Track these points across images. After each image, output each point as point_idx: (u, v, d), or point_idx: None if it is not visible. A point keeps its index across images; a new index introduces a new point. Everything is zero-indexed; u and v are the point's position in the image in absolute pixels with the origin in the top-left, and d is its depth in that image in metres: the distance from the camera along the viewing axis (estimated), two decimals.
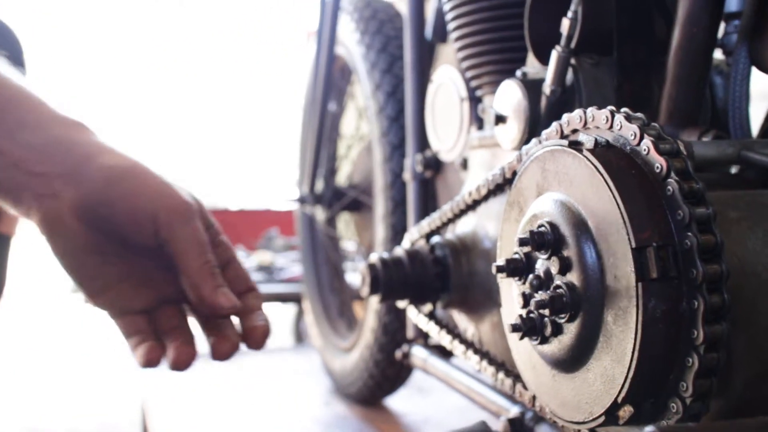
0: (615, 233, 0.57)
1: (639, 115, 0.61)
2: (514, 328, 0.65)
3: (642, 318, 0.55)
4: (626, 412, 0.59)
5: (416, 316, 1.08)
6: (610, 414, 0.59)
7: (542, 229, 0.63)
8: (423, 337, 1.23)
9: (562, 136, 0.66)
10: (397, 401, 1.78)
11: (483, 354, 0.93)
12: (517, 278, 0.68)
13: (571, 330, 0.62)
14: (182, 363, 0.65)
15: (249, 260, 3.07)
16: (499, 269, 0.67)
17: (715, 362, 0.55)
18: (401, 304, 1.08)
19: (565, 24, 0.79)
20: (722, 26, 0.84)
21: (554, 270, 0.62)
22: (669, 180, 0.56)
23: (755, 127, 0.85)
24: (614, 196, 0.57)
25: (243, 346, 0.68)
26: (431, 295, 1.04)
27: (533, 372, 0.69)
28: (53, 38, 6.84)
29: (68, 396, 3.43)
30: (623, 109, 0.61)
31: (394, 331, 1.53)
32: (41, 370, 4.25)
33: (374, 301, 1.04)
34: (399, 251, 1.06)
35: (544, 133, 0.69)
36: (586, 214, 0.61)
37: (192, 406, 1.71)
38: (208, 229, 0.68)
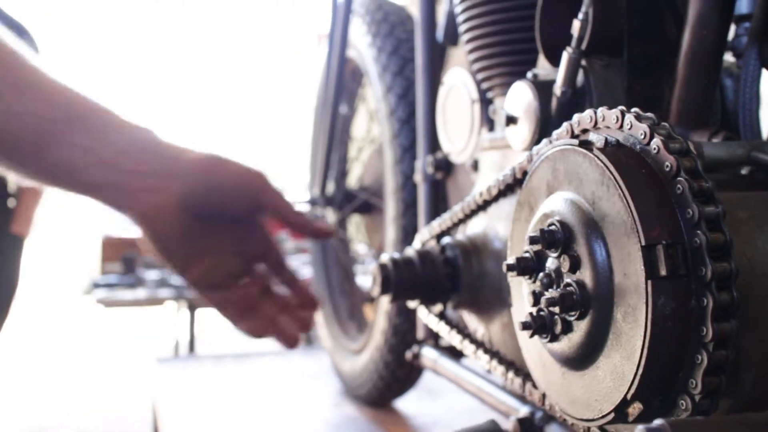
0: (625, 231, 0.58)
1: (649, 114, 0.61)
2: (525, 326, 0.65)
3: (651, 315, 0.56)
4: (635, 409, 0.59)
5: (426, 317, 1.09)
6: (620, 411, 0.60)
7: (553, 227, 0.64)
8: (433, 337, 1.23)
9: (573, 136, 0.66)
10: (406, 403, 1.79)
11: (493, 354, 0.93)
12: (527, 277, 0.68)
13: (581, 328, 0.62)
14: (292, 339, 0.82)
15: None
16: (510, 268, 0.68)
17: (724, 359, 0.55)
18: (412, 304, 1.09)
19: (575, 25, 0.80)
20: (733, 28, 0.85)
21: (564, 268, 0.63)
22: (678, 179, 0.57)
23: (766, 130, 0.85)
24: (624, 195, 0.58)
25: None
26: (442, 296, 1.05)
27: (543, 370, 0.69)
28: (58, 37, 6.88)
29: (78, 394, 3.44)
30: (633, 109, 0.62)
31: (404, 332, 1.53)
32: (52, 369, 4.27)
33: (385, 301, 1.05)
34: (410, 252, 1.06)
35: (555, 133, 0.69)
36: (596, 212, 0.61)
37: (202, 405, 1.72)
38: None
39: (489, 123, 1.11)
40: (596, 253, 0.61)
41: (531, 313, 0.66)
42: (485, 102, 1.12)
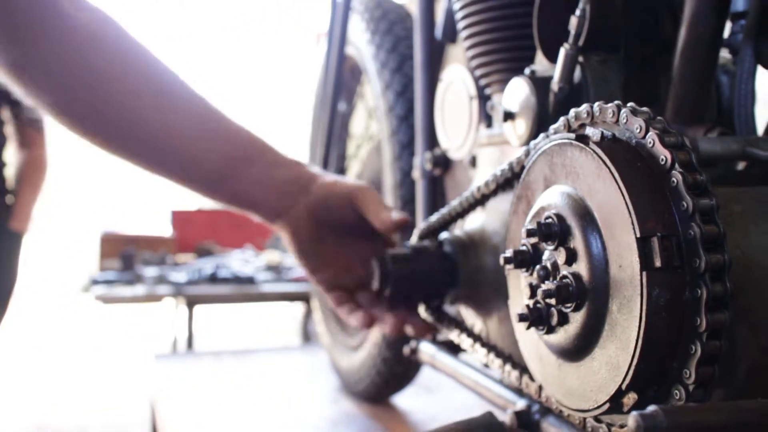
0: (620, 224, 0.59)
1: (644, 109, 0.62)
2: (521, 318, 0.66)
3: (646, 306, 0.56)
4: (630, 399, 0.60)
5: (424, 311, 1.10)
6: (615, 401, 0.61)
7: (549, 220, 0.64)
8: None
9: (570, 131, 0.67)
10: (404, 399, 1.79)
11: (490, 347, 0.94)
12: (524, 270, 0.69)
13: (576, 319, 0.63)
14: (396, 328, 1.05)
15: (258, 260, 3.08)
16: (507, 260, 0.69)
17: (718, 350, 0.56)
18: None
19: (573, 22, 0.81)
20: (729, 26, 0.86)
21: (561, 260, 0.64)
22: (673, 171, 0.57)
23: (760, 126, 0.86)
24: (620, 188, 0.59)
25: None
26: (440, 291, 1.06)
27: (540, 363, 0.70)
28: None
29: (77, 391, 3.45)
30: (629, 104, 0.63)
31: None
32: (50, 366, 4.27)
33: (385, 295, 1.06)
34: (408, 247, 1.07)
35: (552, 127, 0.70)
36: (593, 205, 0.62)
37: (201, 403, 1.72)
38: None
39: (487, 119, 1.12)
40: (592, 245, 0.61)
41: (527, 305, 0.66)
42: (483, 98, 1.13)
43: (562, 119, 0.68)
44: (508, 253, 0.69)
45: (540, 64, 0.92)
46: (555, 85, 0.83)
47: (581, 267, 0.62)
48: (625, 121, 0.62)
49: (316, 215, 1.03)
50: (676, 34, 0.78)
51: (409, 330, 1.06)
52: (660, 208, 0.58)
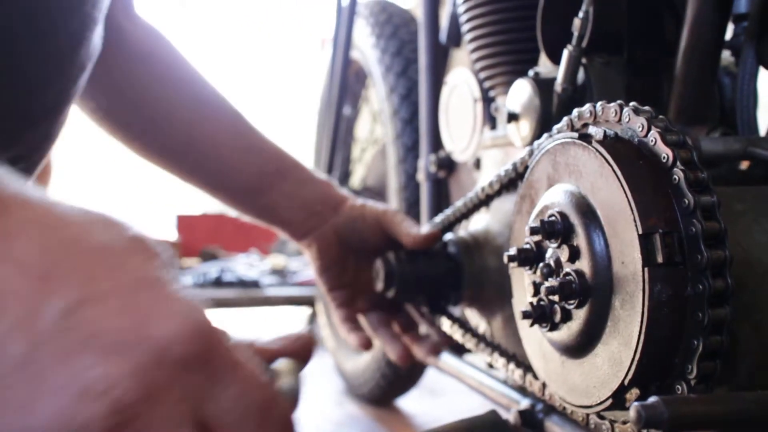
0: (623, 221, 0.59)
1: (647, 108, 0.63)
2: (525, 315, 0.67)
3: (648, 302, 0.57)
4: (633, 394, 0.60)
5: (429, 312, 1.10)
6: (618, 397, 0.61)
7: (552, 218, 0.65)
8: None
9: (573, 130, 0.68)
10: (408, 402, 1.80)
11: (494, 347, 0.94)
12: (527, 268, 0.70)
13: (580, 316, 0.63)
14: (402, 358, 1.07)
15: (262, 264, 3.09)
16: (511, 258, 0.69)
17: (719, 345, 0.56)
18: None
19: (576, 24, 0.81)
20: (731, 27, 0.87)
21: (564, 258, 0.64)
22: (675, 169, 0.58)
23: (762, 128, 0.87)
24: (622, 185, 0.59)
25: None
26: (444, 291, 1.06)
27: (543, 360, 0.71)
28: None
29: None
30: (632, 103, 0.63)
31: None
32: None
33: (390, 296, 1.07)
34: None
35: (555, 127, 0.71)
36: (595, 203, 0.63)
37: None
38: None
39: (491, 121, 1.13)
40: (595, 242, 0.62)
41: (531, 303, 0.67)
42: (488, 101, 1.13)
43: (565, 119, 0.69)
44: (512, 251, 0.69)
45: (544, 66, 0.93)
46: (558, 87, 0.84)
47: (584, 264, 0.63)
48: (627, 120, 0.63)
49: (342, 237, 1.06)
50: (679, 35, 0.79)
51: (418, 353, 1.07)
52: (662, 205, 0.58)
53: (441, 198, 1.34)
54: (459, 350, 1.20)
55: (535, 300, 0.67)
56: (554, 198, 0.67)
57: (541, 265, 0.67)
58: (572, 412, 0.68)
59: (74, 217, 0.36)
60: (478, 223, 1.07)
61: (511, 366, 0.86)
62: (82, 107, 0.95)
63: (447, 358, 1.18)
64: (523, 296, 0.73)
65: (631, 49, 0.85)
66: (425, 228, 1.04)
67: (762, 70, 0.84)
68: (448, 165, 1.30)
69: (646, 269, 0.57)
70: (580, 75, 0.85)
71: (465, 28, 1.08)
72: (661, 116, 0.62)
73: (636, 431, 0.51)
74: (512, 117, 0.91)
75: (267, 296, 2.59)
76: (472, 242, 1.05)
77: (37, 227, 0.34)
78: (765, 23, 0.80)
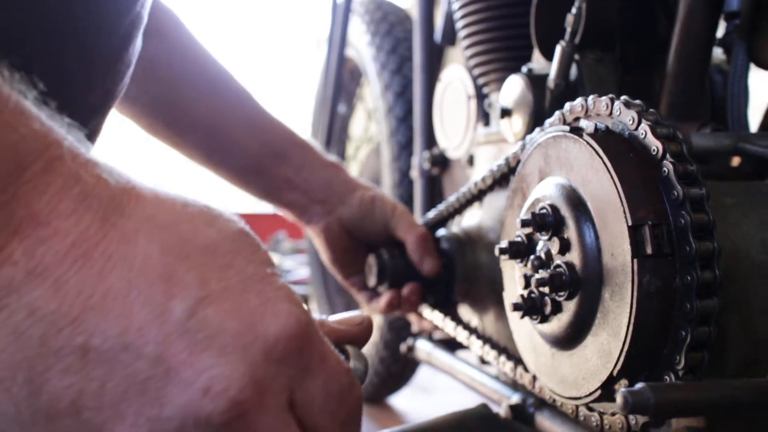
0: (612, 213, 0.60)
1: (637, 102, 0.63)
2: (516, 308, 0.67)
3: (637, 293, 0.57)
4: (622, 386, 0.61)
5: (421, 307, 1.11)
6: (607, 388, 0.61)
7: (543, 211, 0.65)
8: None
9: (565, 123, 0.68)
10: (400, 400, 1.80)
11: (486, 339, 0.95)
12: (518, 260, 0.70)
13: (569, 307, 0.64)
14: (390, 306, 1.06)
15: None
16: (502, 251, 0.70)
17: (707, 336, 0.57)
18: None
19: (569, 20, 0.82)
20: (723, 25, 0.87)
21: (554, 250, 0.65)
22: (664, 162, 0.59)
23: (753, 126, 0.87)
24: (612, 178, 0.60)
25: None
26: (436, 286, 1.07)
27: (534, 353, 0.71)
28: None
29: None
30: (623, 97, 0.64)
31: (399, 328, 1.55)
32: None
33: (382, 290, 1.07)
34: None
35: (548, 121, 0.71)
36: (586, 196, 0.63)
37: None
38: None
39: (485, 118, 1.14)
40: (585, 234, 0.62)
41: (522, 295, 0.67)
42: (482, 98, 1.14)
43: (557, 113, 0.69)
44: (503, 243, 0.70)
45: (537, 62, 0.93)
46: (551, 82, 0.84)
47: (574, 256, 0.63)
48: (618, 113, 0.63)
49: (350, 230, 1.06)
50: (671, 32, 0.80)
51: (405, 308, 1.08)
52: (651, 197, 0.59)
53: (434, 195, 1.34)
54: (451, 347, 1.21)
55: (525, 292, 0.68)
56: (545, 191, 0.67)
57: (531, 257, 0.67)
58: (562, 405, 0.69)
59: (182, 212, 0.39)
60: (471, 219, 1.07)
61: (502, 358, 0.86)
62: None
63: (439, 354, 1.18)
64: (513, 289, 0.74)
65: (623, 45, 0.86)
66: (431, 263, 1.03)
67: (753, 68, 0.84)
68: (441, 162, 1.30)
69: (635, 261, 0.57)
70: (573, 71, 0.85)
71: (460, 24, 1.09)
72: (651, 110, 0.62)
73: (623, 416, 0.51)
74: (505, 112, 0.91)
75: None
76: (464, 238, 1.06)
77: (153, 227, 0.37)
78: (756, 21, 0.81)
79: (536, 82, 0.88)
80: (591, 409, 0.66)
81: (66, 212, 0.35)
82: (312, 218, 1.06)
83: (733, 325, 0.63)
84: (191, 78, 0.98)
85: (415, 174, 1.37)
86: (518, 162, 0.76)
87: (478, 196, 0.95)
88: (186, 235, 0.38)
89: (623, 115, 0.62)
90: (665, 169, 0.58)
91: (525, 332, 0.72)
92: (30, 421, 0.35)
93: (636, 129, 0.61)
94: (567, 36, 0.83)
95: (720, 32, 0.85)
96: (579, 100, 0.67)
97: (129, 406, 0.35)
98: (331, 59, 1.73)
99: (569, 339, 0.65)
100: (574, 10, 0.82)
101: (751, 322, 0.63)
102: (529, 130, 0.88)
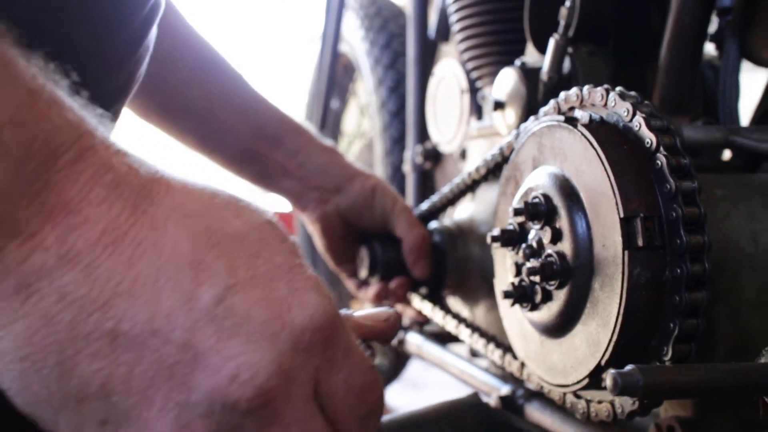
0: (605, 204, 0.60)
1: (632, 93, 0.63)
2: (506, 295, 0.67)
3: (627, 284, 0.58)
4: None
5: (412, 299, 1.11)
6: (594, 377, 0.62)
7: (536, 200, 0.65)
8: (418, 324, 1.25)
9: (559, 113, 0.68)
10: (391, 395, 1.80)
11: (474, 328, 0.95)
12: (510, 248, 0.70)
13: (560, 297, 0.64)
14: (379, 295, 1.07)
15: None
16: (494, 239, 0.70)
17: (695, 328, 0.57)
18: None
19: (563, 12, 0.82)
20: (716, 21, 0.88)
21: (546, 239, 0.65)
22: (658, 154, 0.59)
23: (744, 121, 0.88)
24: (605, 169, 0.60)
25: None
26: (428, 278, 1.07)
27: (523, 340, 0.72)
28: None
29: None
30: (618, 88, 0.64)
31: None
32: None
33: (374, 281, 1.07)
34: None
35: (542, 110, 0.71)
36: (579, 186, 0.63)
37: None
38: None
39: (477, 112, 1.14)
40: (577, 224, 0.62)
41: (513, 283, 0.68)
42: (475, 92, 1.14)
43: (552, 102, 0.69)
44: (495, 231, 0.70)
45: (530, 56, 0.94)
46: (544, 75, 0.85)
47: (566, 246, 0.63)
48: (613, 104, 0.63)
49: (346, 219, 1.05)
50: (664, 26, 0.80)
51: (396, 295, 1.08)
52: (644, 189, 0.59)
53: (427, 189, 1.35)
54: (442, 340, 1.21)
55: (516, 280, 0.68)
56: (539, 180, 0.67)
57: (523, 246, 0.68)
58: (549, 392, 0.69)
59: (211, 202, 0.39)
60: (463, 212, 1.07)
61: (491, 346, 0.86)
62: None
63: (430, 347, 1.19)
64: (504, 276, 0.74)
65: (616, 39, 0.86)
66: (424, 267, 1.04)
67: (744, 64, 0.85)
68: (434, 156, 1.31)
69: (626, 252, 0.57)
70: (566, 64, 0.86)
71: (454, 18, 1.09)
72: (646, 102, 0.63)
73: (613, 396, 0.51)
74: (498, 105, 0.91)
75: None
76: (456, 231, 1.06)
77: (182, 216, 0.37)
78: (748, 17, 0.81)
79: (529, 75, 0.88)
80: (578, 396, 0.66)
81: (97, 200, 0.36)
82: (307, 205, 1.05)
83: (722, 317, 0.63)
84: (183, 59, 0.96)
85: (407, 168, 1.38)
86: (512, 151, 0.76)
87: (472, 186, 0.95)
88: (214, 224, 0.38)
89: (618, 107, 0.63)
90: (658, 161, 0.58)
91: (515, 319, 0.73)
92: (61, 403, 0.36)
93: (630, 121, 0.61)
94: (561, 29, 0.83)
95: (712, 29, 0.85)
96: (574, 90, 0.67)
97: (157, 391, 0.36)
98: (325, 54, 1.73)
99: (559, 327, 0.65)
100: (568, 3, 0.83)
101: (740, 313, 0.63)
102: (522, 122, 0.88)
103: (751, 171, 0.77)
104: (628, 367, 0.48)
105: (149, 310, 0.35)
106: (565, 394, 0.67)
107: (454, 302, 1.09)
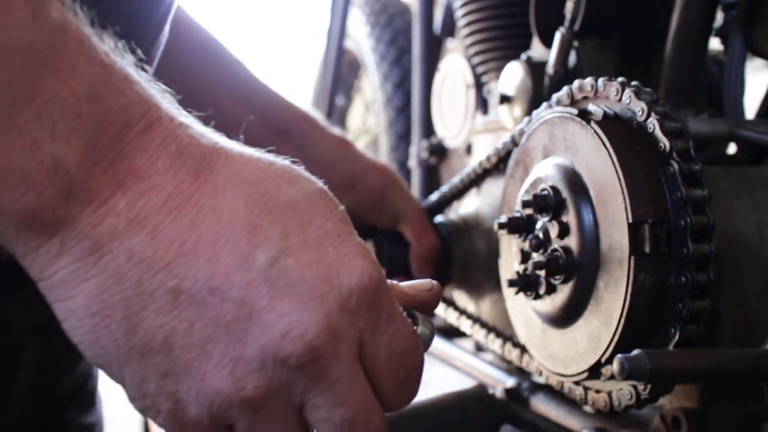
0: (614, 205, 0.60)
1: (648, 90, 0.63)
2: (511, 283, 0.68)
3: (631, 289, 0.58)
4: (609, 370, 0.61)
5: None
6: (594, 371, 0.62)
7: (545, 192, 0.65)
8: None
9: (573, 101, 0.68)
10: None
11: (475, 319, 0.96)
12: (517, 235, 0.70)
13: (564, 291, 0.64)
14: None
15: None
16: (501, 226, 0.70)
17: (695, 334, 0.58)
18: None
19: (569, 6, 0.82)
20: (721, 16, 0.88)
21: (553, 234, 0.65)
22: (671, 160, 0.59)
23: (750, 115, 0.88)
24: (617, 170, 0.59)
25: None
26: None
27: (526, 326, 0.72)
28: None
29: None
30: (633, 83, 0.64)
31: None
32: None
33: None
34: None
35: (555, 95, 0.70)
36: (589, 183, 0.63)
37: None
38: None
39: (483, 107, 1.14)
40: (585, 221, 0.62)
41: (518, 272, 0.68)
42: (480, 87, 1.15)
43: (565, 89, 0.68)
44: (502, 218, 0.70)
45: (536, 50, 0.94)
46: (550, 69, 0.85)
47: (572, 241, 0.63)
48: (628, 101, 0.62)
49: (355, 217, 1.02)
50: (669, 20, 0.80)
51: None
52: (654, 195, 0.59)
53: (432, 184, 1.35)
54: (447, 334, 1.21)
55: (521, 268, 0.68)
56: (548, 171, 0.66)
57: (530, 236, 0.68)
58: (548, 377, 0.70)
59: (267, 171, 0.41)
60: (469, 206, 1.08)
61: (492, 336, 0.87)
62: None
63: (436, 341, 1.19)
64: (510, 260, 0.73)
65: (622, 32, 0.86)
66: (428, 275, 1.01)
67: (749, 64, 0.85)
68: (439, 151, 1.31)
69: (632, 258, 0.58)
70: (572, 58, 0.86)
71: (459, 13, 1.09)
72: (660, 101, 0.62)
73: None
74: (504, 99, 0.92)
75: None
76: (462, 225, 1.06)
77: (240, 183, 0.40)
78: (753, 10, 0.82)
79: (535, 68, 0.88)
80: (577, 383, 0.67)
81: (163, 168, 0.38)
82: None
83: (727, 306, 0.63)
84: (182, 51, 0.93)
85: (413, 163, 1.38)
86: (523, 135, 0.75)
87: (482, 176, 0.94)
88: (270, 191, 0.40)
89: (633, 104, 0.62)
90: (671, 168, 0.58)
91: (518, 304, 0.73)
92: (127, 356, 0.39)
93: (645, 120, 0.61)
94: (566, 23, 0.83)
95: (717, 23, 0.86)
96: (589, 80, 0.66)
97: (215, 346, 0.38)
98: (330, 50, 1.74)
99: (561, 319, 0.65)
100: None
101: (745, 302, 0.64)
102: (527, 116, 0.89)
103: (757, 164, 0.77)
104: (635, 352, 0.48)
105: (209, 269, 0.38)
106: (563, 382, 0.68)
107: (460, 295, 1.09)
